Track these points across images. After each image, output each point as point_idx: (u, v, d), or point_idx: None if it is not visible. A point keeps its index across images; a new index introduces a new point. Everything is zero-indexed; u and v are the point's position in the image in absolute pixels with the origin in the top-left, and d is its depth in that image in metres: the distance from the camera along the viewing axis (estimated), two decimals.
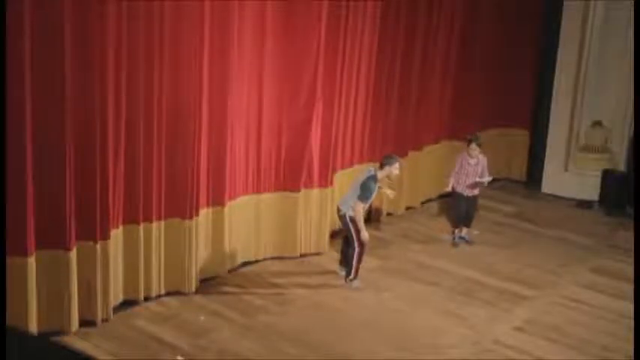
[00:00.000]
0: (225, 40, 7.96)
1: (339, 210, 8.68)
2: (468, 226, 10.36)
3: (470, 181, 10.03)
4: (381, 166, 8.58)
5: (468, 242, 10.29)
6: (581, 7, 11.85)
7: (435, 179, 11.59)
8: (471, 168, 10.02)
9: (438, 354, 7.37)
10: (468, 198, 10.15)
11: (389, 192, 9.08)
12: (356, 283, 8.62)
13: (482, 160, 10.10)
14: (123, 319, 7.57)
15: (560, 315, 8.33)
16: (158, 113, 7.59)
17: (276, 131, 8.93)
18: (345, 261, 8.78)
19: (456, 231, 10.31)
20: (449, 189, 10.23)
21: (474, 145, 10.00)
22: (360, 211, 8.40)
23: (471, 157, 10.01)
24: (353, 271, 8.61)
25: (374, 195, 8.58)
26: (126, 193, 7.52)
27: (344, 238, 8.88)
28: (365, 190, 8.39)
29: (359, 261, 8.58)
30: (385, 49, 10.20)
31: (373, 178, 8.47)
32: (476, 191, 10.19)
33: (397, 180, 9.43)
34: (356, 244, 8.52)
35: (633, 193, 10.76)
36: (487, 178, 10.08)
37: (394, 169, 8.57)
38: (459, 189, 10.12)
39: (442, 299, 8.55)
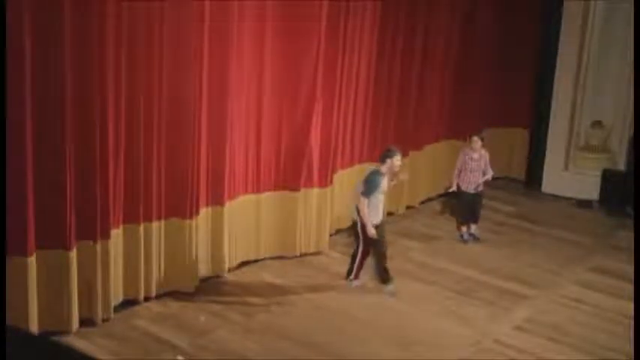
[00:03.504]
0: (225, 40, 7.96)
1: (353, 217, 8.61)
2: (475, 222, 10.38)
3: (474, 176, 10.04)
4: (382, 161, 8.42)
5: (477, 239, 10.30)
6: (581, 7, 11.86)
7: (435, 179, 11.60)
8: (475, 163, 10.04)
9: (439, 354, 7.37)
10: (473, 195, 10.17)
11: (402, 176, 8.90)
12: (356, 282, 8.61)
13: (485, 154, 10.14)
14: (123, 319, 7.58)
15: (560, 314, 8.33)
16: (158, 113, 7.59)
17: (276, 131, 8.93)
18: (379, 275, 8.61)
19: (464, 228, 10.32)
20: (454, 188, 10.21)
21: (476, 138, 10.03)
22: (364, 206, 8.24)
23: (474, 151, 10.02)
24: (354, 271, 8.58)
25: (381, 189, 8.32)
26: (126, 193, 7.53)
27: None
28: (367, 184, 8.26)
29: (360, 267, 8.52)
30: (385, 49, 10.22)
31: (376, 172, 8.35)
32: (480, 187, 10.21)
33: (402, 169, 9.06)
34: (361, 246, 8.44)
35: (633, 193, 10.75)
36: (489, 175, 10.10)
37: (395, 160, 8.37)
38: (464, 187, 10.13)
39: (442, 299, 8.55)
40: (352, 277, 8.61)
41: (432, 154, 11.60)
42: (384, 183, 8.37)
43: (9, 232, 6.37)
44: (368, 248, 8.48)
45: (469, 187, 10.13)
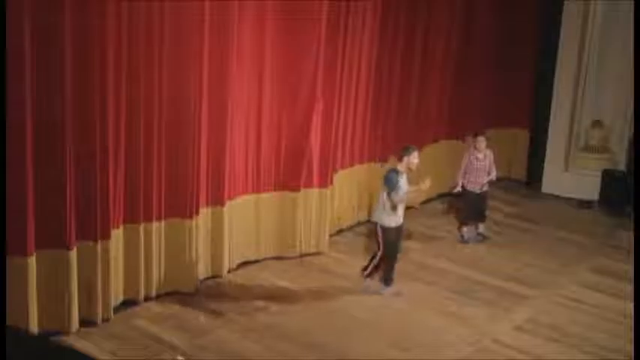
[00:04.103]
0: (225, 40, 7.96)
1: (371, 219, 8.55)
2: (482, 221, 10.39)
3: (479, 176, 10.07)
4: (400, 159, 8.30)
5: (486, 238, 10.32)
6: (581, 7, 11.85)
7: (435, 179, 11.54)
8: (480, 163, 10.06)
9: (439, 354, 7.37)
10: (478, 194, 10.17)
11: (424, 183, 8.43)
12: (366, 282, 8.49)
13: (490, 154, 10.15)
14: (123, 319, 7.58)
15: (560, 314, 8.33)
16: (158, 113, 7.59)
17: (276, 131, 8.93)
18: (383, 276, 8.54)
19: (464, 229, 10.31)
20: (459, 189, 10.19)
21: (481, 138, 10.04)
22: (398, 197, 8.11)
23: (479, 151, 10.03)
24: (369, 270, 8.45)
25: (401, 185, 8.16)
26: (126, 193, 7.53)
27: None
28: (387, 182, 8.14)
29: (378, 265, 8.42)
30: (385, 49, 10.21)
31: (393, 170, 8.26)
32: (485, 187, 10.23)
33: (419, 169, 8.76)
34: (381, 250, 8.34)
35: (633, 193, 10.75)
36: (493, 175, 10.15)
37: (412, 157, 8.23)
38: (470, 187, 10.12)
39: (442, 299, 8.55)
40: (366, 274, 8.51)
41: (432, 154, 11.58)
42: (403, 181, 8.24)
43: (9, 232, 6.38)
44: (387, 254, 8.36)
45: (474, 187, 10.13)
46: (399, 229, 8.38)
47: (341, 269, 9.13)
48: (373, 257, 8.55)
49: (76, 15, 6.69)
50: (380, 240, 8.32)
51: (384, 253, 8.36)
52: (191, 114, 7.83)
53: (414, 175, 8.61)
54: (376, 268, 8.50)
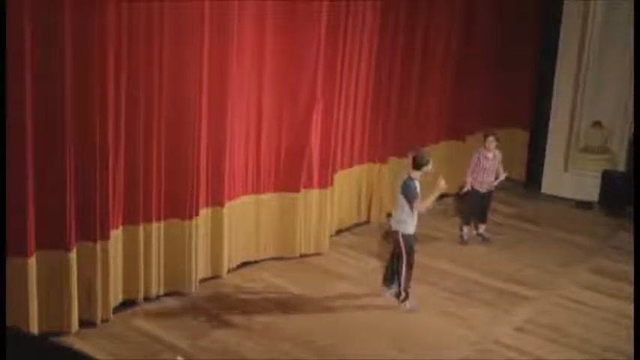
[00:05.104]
0: (225, 40, 7.96)
1: (391, 227, 8.39)
2: (484, 222, 10.39)
3: (486, 175, 10.06)
4: (417, 168, 8.10)
5: (487, 239, 10.32)
6: (581, 7, 11.85)
7: (434, 179, 11.55)
8: (489, 163, 10.05)
9: (439, 354, 7.36)
10: (483, 194, 10.17)
11: (440, 184, 8.18)
12: (410, 303, 8.22)
13: (498, 154, 10.15)
14: (123, 319, 7.57)
15: (560, 315, 8.33)
16: (158, 113, 7.59)
17: (276, 131, 8.93)
18: (392, 279, 8.39)
19: (465, 229, 10.30)
20: (468, 188, 10.16)
21: (491, 138, 10.04)
22: (423, 205, 8.01)
23: (489, 150, 10.03)
24: (402, 291, 8.21)
25: (418, 191, 8.06)
26: (126, 193, 7.52)
27: (391, 255, 8.43)
28: (408, 192, 8.01)
29: (407, 279, 8.18)
30: (385, 49, 10.21)
31: (410, 179, 8.09)
32: (492, 187, 10.24)
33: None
34: (404, 262, 8.13)
35: (633, 193, 10.75)
36: (502, 175, 10.17)
37: (429, 167, 8.14)
38: (476, 186, 10.12)
39: (442, 300, 8.55)
40: (403, 297, 8.22)
41: (432, 155, 11.54)
42: (418, 187, 8.11)
43: (9, 232, 6.38)
44: (412, 260, 8.18)
45: (482, 187, 10.13)
46: (414, 236, 8.27)
47: (341, 269, 9.12)
48: (391, 272, 8.33)
49: (76, 15, 6.68)
50: (403, 247, 8.11)
51: (409, 260, 8.16)
52: (191, 114, 7.82)
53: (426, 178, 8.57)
54: (408, 280, 8.21)
